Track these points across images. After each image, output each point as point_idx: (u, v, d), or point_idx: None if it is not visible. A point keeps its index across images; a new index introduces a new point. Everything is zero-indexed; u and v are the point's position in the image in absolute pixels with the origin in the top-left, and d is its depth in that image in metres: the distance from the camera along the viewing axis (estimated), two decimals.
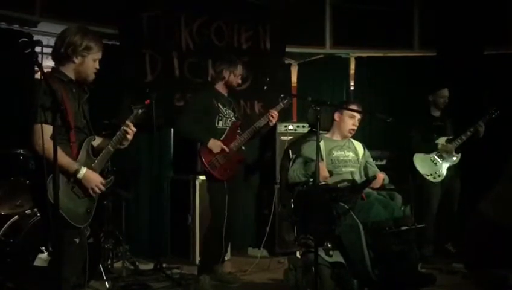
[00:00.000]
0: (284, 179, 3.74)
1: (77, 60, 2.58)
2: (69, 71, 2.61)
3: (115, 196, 4.16)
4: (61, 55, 2.58)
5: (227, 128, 4.02)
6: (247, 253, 5.04)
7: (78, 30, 2.61)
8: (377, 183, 3.51)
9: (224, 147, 3.92)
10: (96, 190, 2.59)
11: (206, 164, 3.89)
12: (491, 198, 1.62)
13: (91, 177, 2.56)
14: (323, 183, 3.44)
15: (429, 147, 4.58)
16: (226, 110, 4.05)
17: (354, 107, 3.71)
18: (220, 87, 4.07)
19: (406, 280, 3.15)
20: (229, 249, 4.54)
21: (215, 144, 3.90)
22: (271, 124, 4.06)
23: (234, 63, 4.05)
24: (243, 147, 4.07)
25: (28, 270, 3.28)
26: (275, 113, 3.99)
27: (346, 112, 3.71)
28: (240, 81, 4.13)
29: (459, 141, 4.52)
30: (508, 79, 5.04)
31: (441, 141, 4.59)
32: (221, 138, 3.96)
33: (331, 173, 3.55)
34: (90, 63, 2.62)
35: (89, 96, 2.73)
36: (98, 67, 2.67)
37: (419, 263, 3.36)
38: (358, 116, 3.73)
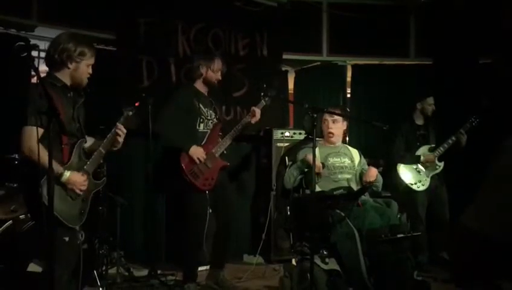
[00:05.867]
0: (280, 186, 3.74)
1: (71, 66, 2.63)
2: (64, 76, 2.65)
3: (109, 202, 4.14)
4: (55, 61, 2.63)
5: (209, 131, 3.84)
6: (242, 260, 5.02)
7: (71, 36, 2.67)
8: (369, 177, 3.52)
9: (205, 156, 3.70)
10: (82, 188, 2.62)
11: (187, 173, 3.68)
12: (473, 209, 1.60)
13: (74, 179, 2.59)
14: (319, 190, 3.45)
15: (412, 156, 4.59)
16: (207, 111, 3.85)
17: (331, 110, 3.71)
18: (199, 85, 3.85)
19: (402, 287, 3.14)
20: None
21: (197, 151, 3.69)
22: (252, 122, 3.88)
23: (211, 58, 3.84)
24: (224, 152, 3.89)
25: (22, 276, 3.25)
26: (257, 111, 3.83)
27: (323, 118, 3.71)
28: (219, 77, 3.87)
29: (442, 149, 4.55)
30: (502, 87, 5.07)
31: (423, 151, 4.61)
32: (203, 143, 3.79)
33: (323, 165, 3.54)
34: (84, 68, 2.67)
35: (85, 101, 2.75)
36: (90, 72, 2.72)
37: (414, 270, 3.35)
38: (329, 118, 3.70)
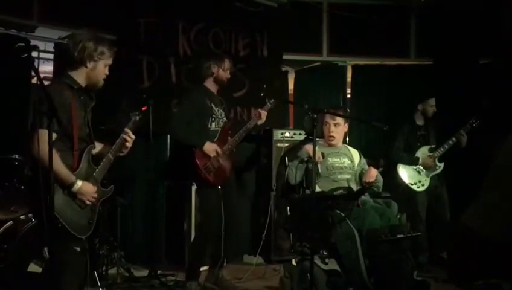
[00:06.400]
0: (280, 186, 3.74)
1: (90, 65, 2.59)
2: (80, 76, 2.60)
3: (110, 202, 4.14)
4: (74, 59, 2.57)
5: (219, 129, 3.92)
6: (242, 260, 5.02)
7: (91, 35, 2.61)
8: (369, 177, 3.52)
9: (219, 150, 3.80)
10: (92, 200, 2.58)
11: (201, 167, 3.77)
12: (473, 209, 1.60)
13: (86, 190, 2.54)
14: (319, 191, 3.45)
15: (410, 157, 4.59)
16: (218, 110, 3.94)
17: (331, 111, 3.70)
18: (209, 84, 3.93)
19: (402, 287, 3.15)
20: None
21: (211, 147, 3.78)
22: (259, 123, 3.98)
23: (221, 57, 3.96)
24: (234, 150, 3.98)
25: (22, 277, 3.25)
26: (264, 113, 3.92)
27: (324, 120, 3.72)
28: (229, 76, 3.99)
29: (442, 150, 4.55)
30: (503, 87, 5.07)
31: (424, 151, 4.61)
32: (214, 140, 3.86)
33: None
34: (102, 68, 2.63)
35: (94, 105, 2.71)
36: (107, 73, 2.68)
37: (414, 271, 3.36)
38: (330, 121, 3.71)
